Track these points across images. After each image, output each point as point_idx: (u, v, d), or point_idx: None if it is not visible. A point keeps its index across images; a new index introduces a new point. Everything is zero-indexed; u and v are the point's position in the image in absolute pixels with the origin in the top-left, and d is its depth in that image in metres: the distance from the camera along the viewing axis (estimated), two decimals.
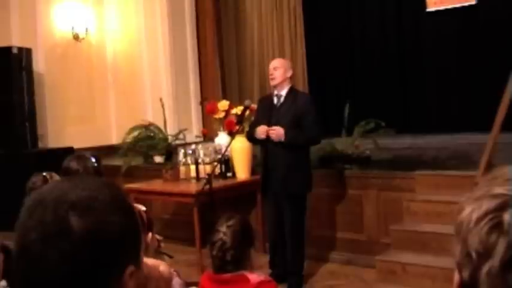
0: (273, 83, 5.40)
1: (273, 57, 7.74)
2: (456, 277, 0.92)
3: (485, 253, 0.84)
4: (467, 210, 0.89)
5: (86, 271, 0.95)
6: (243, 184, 6.47)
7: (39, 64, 8.49)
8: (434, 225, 5.16)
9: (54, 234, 0.94)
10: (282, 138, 5.16)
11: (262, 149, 5.47)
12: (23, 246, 0.97)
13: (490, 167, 4.65)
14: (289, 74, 5.42)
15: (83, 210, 0.97)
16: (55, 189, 1.02)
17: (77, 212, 0.96)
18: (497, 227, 0.84)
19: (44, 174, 3.25)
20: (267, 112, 5.41)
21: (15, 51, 7.82)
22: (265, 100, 5.62)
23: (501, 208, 0.85)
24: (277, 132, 5.16)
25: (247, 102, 5.81)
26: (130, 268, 1.02)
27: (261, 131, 5.26)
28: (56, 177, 3.25)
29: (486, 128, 5.25)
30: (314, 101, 5.60)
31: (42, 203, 0.98)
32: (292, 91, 5.44)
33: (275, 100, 5.42)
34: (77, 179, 1.13)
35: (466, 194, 0.92)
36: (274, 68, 5.38)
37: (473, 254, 0.86)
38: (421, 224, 5.30)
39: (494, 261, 0.83)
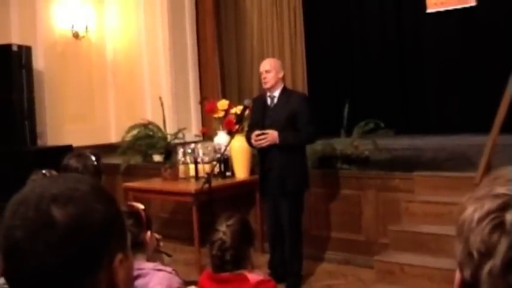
0: (266, 86, 5.41)
1: (273, 57, 7.75)
2: (457, 276, 0.92)
3: (487, 253, 0.85)
4: (469, 209, 0.89)
5: (75, 261, 0.96)
6: (242, 183, 6.47)
7: (38, 62, 8.48)
8: (432, 226, 5.16)
9: (39, 229, 0.95)
10: (277, 141, 5.18)
11: (259, 150, 5.48)
12: (9, 246, 0.97)
13: (489, 168, 4.66)
14: (280, 74, 5.43)
15: (65, 201, 0.97)
16: (35, 187, 1.03)
17: (59, 204, 0.97)
18: (499, 226, 0.84)
19: (44, 171, 3.25)
20: (261, 113, 5.42)
21: (15, 49, 7.82)
22: (258, 101, 5.62)
23: (503, 208, 0.85)
24: (271, 136, 5.18)
25: (246, 101, 5.80)
26: (119, 256, 1.03)
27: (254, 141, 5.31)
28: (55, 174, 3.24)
29: (484, 129, 5.27)
30: (308, 100, 5.62)
31: (23, 202, 0.98)
32: (285, 91, 5.45)
33: (268, 101, 5.43)
34: (55, 176, 1.15)
35: (467, 194, 0.93)
36: (266, 71, 5.38)
37: (475, 254, 0.86)
38: (420, 224, 5.31)
39: (496, 261, 0.83)
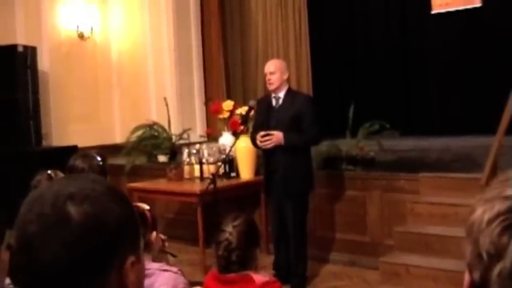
0: (271, 88, 5.38)
1: (278, 58, 7.75)
2: (467, 278, 0.92)
3: (497, 254, 0.84)
4: (478, 211, 0.89)
5: (86, 259, 0.96)
6: (247, 184, 6.47)
7: (44, 63, 8.50)
8: (437, 227, 5.16)
9: (53, 225, 0.96)
10: (282, 142, 5.17)
11: (264, 151, 5.47)
12: (23, 240, 0.97)
13: (495, 169, 4.65)
14: (285, 76, 5.40)
15: (81, 199, 0.98)
16: (53, 185, 1.04)
17: (75, 201, 0.98)
18: (509, 228, 0.84)
19: (49, 172, 3.26)
20: (266, 114, 5.42)
21: (20, 49, 7.84)
22: (264, 102, 5.61)
23: None
24: (276, 137, 5.17)
25: (251, 102, 5.80)
26: (131, 259, 1.03)
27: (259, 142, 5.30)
28: (61, 175, 3.25)
29: (489, 130, 5.27)
30: (313, 102, 5.62)
31: (40, 198, 1.00)
32: (290, 92, 5.43)
33: (273, 102, 5.42)
34: (74, 176, 1.16)
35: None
36: (271, 73, 5.35)
37: (485, 255, 0.86)
38: (425, 225, 5.30)
39: (506, 263, 0.83)
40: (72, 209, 0.97)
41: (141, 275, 1.09)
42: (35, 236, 0.96)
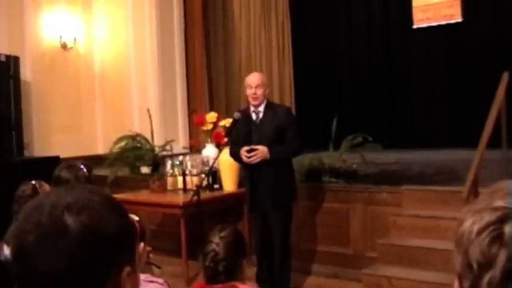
0: (255, 102, 5.28)
1: (261, 71, 7.76)
2: (456, 287, 0.94)
3: (486, 264, 0.87)
4: (468, 222, 0.91)
5: (83, 269, 0.97)
6: (230, 196, 6.46)
7: (26, 73, 8.45)
8: (420, 240, 5.19)
9: (50, 234, 0.96)
10: (267, 157, 5.15)
11: (247, 165, 5.34)
12: (20, 249, 0.98)
13: (476, 182, 4.70)
14: (268, 90, 5.39)
15: (79, 209, 0.99)
16: (51, 195, 1.05)
17: (73, 212, 0.98)
18: (498, 238, 0.86)
19: (33, 182, 3.24)
20: (246, 128, 5.33)
21: (3, 59, 7.79)
22: (243, 115, 5.43)
23: (502, 220, 0.87)
24: (261, 152, 5.10)
25: (236, 114, 5.77)
26: (127, 269, 1.04)
27: (244, 158, 5.23)
28: (45, 185, 3.24)
29: (472, 144, 5.32)
30: (292, 112, 5.60)
31: (38, 208, 1.00)
32: (269, 105, 5.38)
33: (254, 116, 5.33)
34: (72, 186, 1.16)
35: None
36: (257, 87, 5.25)
37: (474, 265, 0.88)
38: (408, 238, 5.32)
39: (495, 272, 0.85)
40: (70, 219, 0.98)
41: (136, 286, 1.10)
42: (32, 245, 0.96)
